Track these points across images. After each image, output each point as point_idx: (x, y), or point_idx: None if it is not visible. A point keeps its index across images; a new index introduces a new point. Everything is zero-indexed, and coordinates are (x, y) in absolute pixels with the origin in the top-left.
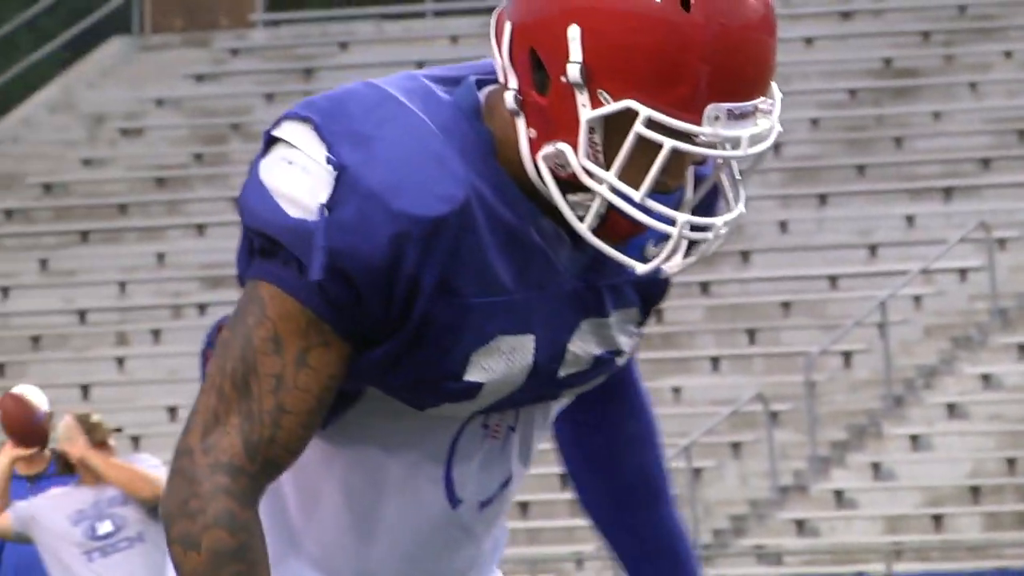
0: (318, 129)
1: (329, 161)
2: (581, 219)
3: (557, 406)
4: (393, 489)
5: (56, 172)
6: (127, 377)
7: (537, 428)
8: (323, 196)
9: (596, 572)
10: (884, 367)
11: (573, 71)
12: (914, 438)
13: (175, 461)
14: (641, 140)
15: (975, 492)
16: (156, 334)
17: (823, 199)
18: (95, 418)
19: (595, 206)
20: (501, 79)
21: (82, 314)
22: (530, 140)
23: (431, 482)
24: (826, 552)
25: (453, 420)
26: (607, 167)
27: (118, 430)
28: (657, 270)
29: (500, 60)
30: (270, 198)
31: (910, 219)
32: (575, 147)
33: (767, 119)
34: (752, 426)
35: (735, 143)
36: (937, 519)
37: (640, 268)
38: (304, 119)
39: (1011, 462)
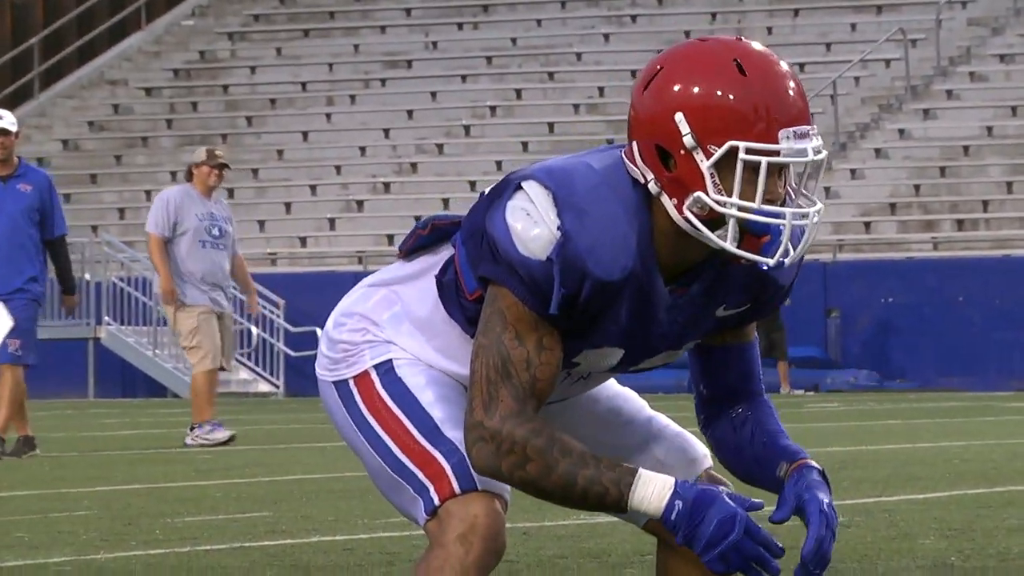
0: (555, 197)
1: (559, 227)
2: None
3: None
4: None
5: None
6: (333, 127)
7: (599, 377)
8: (549, 250)
9: None
10: (834, 124)
11: (688, 140)
12: (853, 171)
13: (471, 432)
14: (746, 167)
15: (892, 207)
16: (352, 98)
17: (796, 12)
18: (218, 151)
19: (731, 226)
20: (642, 181)
21: (303, 85)
22: (675, 206)
23: None
24: None
25: None
26: (730, 196)
27: (225, 165)
28: (780, 264)
29: (637, 170)
30: (508, 234)
31: (853, 26)
32: (705, 191)
33: (818, 139)
34: None
35: (803, 153)
36: (867, 225)
37: (771, 261)
38: (546, 185)
39: (917, 187)
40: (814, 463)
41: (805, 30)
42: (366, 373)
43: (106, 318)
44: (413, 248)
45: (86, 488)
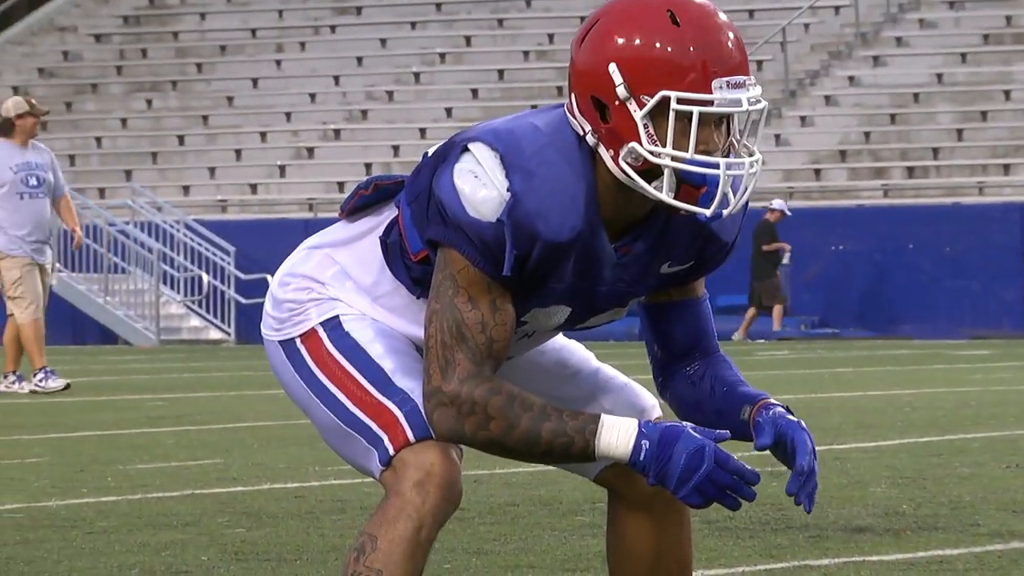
0: (502, 158)
1: (508, 188)
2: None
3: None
4: None
5: None
6: (283, 74)
7: (544, 335)
8: (499, 212)
9: None
10: (784, 71)
11: (621, 90)
12: (803, 118)
13: (431, 399)
14: (679, 117)
15: (843, 154)
16: (302, 45)
17: None
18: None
19: (666, 176)
20: (580, 132)
21: (253, 31)
22: (612, 158)
23: None
24: None
25: None
26: (663, 146)
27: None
28: (718, 215)
29: (576, 121)
30: (456, 196)
31: None
32: (639, 141)
33: (756, 88)
34: None
35: (738, 103)
36: (817, 172)
37: (707, 212)
38: (493, 147)
39: (867, 135)
40: (777, 402)
41: None
42: (313, 331)
43: (57, 265)
44: (356, 208)
45: (38, 435)
